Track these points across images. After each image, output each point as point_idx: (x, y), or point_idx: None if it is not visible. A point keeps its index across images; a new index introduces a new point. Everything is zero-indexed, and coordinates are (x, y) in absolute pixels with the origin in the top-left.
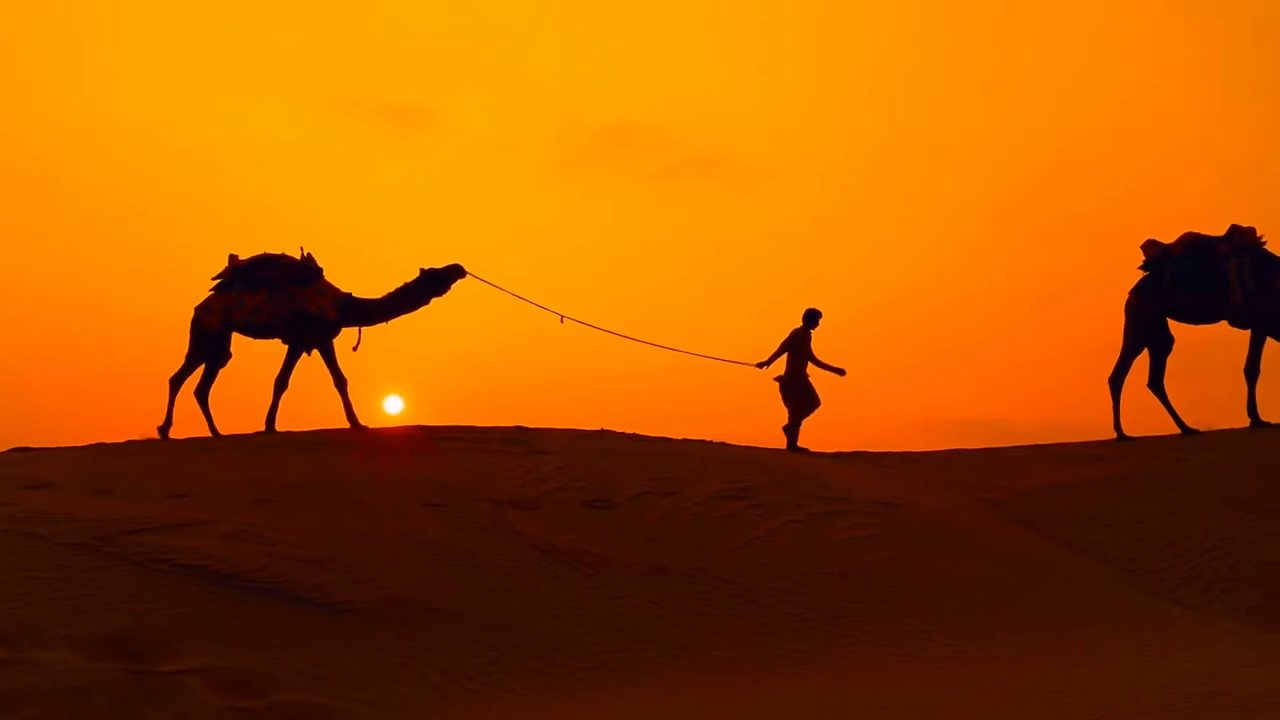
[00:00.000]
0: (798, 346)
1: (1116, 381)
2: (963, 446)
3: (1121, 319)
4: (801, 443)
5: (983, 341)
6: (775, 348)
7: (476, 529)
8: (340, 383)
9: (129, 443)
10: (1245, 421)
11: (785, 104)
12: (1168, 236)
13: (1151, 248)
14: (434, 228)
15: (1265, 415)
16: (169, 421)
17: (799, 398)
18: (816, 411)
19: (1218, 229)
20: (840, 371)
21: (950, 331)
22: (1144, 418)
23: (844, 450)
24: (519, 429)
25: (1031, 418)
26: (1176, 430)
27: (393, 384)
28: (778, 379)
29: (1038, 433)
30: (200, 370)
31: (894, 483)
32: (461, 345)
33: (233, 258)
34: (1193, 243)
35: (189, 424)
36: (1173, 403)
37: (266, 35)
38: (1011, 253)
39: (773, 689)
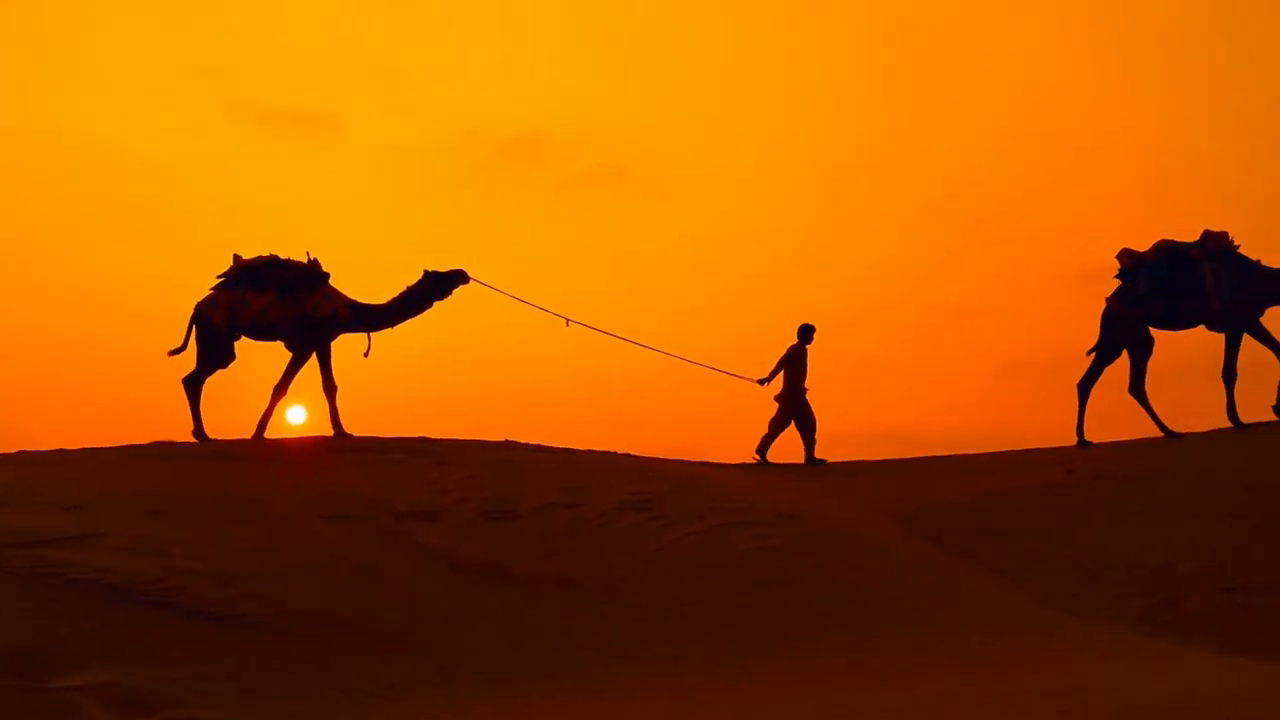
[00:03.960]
0: (795, 363)
1: (1137, 391)
2: (866, 458)
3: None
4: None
5: (886, 354)
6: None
7: (379, 541)
8: (330, 389)
9: (20, 453)
10: (1139, 433)
11: (689, 115)
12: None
13: (1126, 256)
14: (337, 235)
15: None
16: (199, 424)
17: (799, 415)
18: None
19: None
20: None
21: (854, 344)
22: (1042, 425)
23: (748, 461)
24: (423, 439)
25: (934, 430)
26: (1073, 441)
27: (296, 394)
28: (777, 397)
29: (941, 444)
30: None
31: (796, 494)
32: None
33: (237, 258)
34: (1166, 249)
35: (88, 434)
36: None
37: (167, 39)
38: (915, 266)
39: (678, 701)
